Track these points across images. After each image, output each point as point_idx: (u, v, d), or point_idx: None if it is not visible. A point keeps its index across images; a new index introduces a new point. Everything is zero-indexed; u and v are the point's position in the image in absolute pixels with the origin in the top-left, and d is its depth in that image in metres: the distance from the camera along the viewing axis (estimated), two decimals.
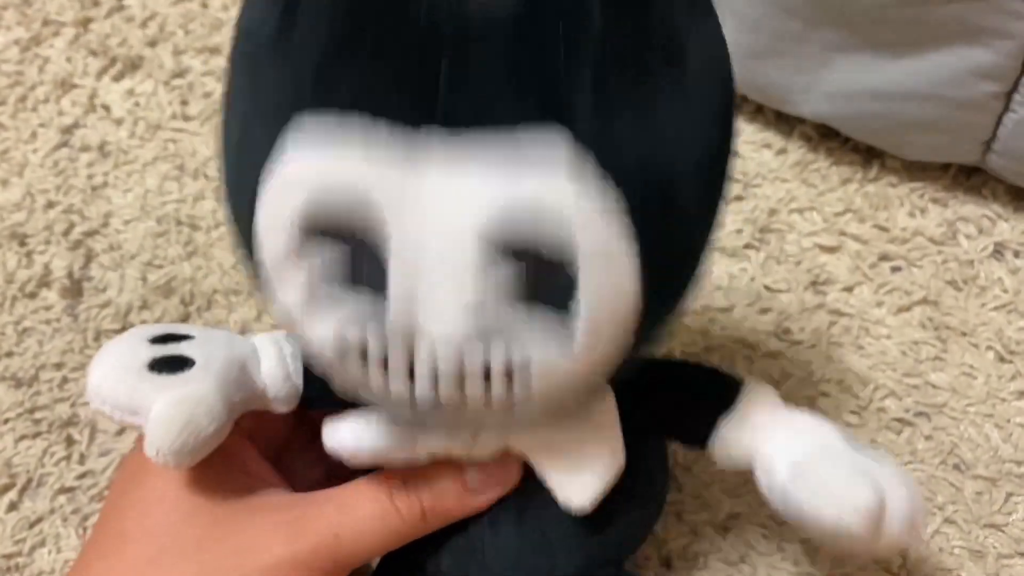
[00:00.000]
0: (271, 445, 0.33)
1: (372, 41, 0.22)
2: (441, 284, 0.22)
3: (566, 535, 0.30)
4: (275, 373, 0.30)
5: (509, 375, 0.23)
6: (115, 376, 0.28)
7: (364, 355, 0.24)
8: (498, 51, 0.22)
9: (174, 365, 0.28)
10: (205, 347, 0.29)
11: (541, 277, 0.22)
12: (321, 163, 0.22)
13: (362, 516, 0.29)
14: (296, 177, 0.23)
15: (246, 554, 0.28)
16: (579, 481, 0.28)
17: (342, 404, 0.30)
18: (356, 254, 0.23)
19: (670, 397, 0.31)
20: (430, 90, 0.22)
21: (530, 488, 0.30)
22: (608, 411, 0.29)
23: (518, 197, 0.22)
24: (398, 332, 0.23)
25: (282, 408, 0.31)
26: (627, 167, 0.22)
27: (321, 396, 0.29)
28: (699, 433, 0.30)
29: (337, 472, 0.33)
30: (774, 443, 0.29)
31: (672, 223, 0.24)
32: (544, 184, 0.22)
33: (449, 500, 0.30)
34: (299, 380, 0.30)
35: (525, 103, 0.22)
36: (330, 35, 0.23)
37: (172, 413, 0.27)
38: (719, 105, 0.25)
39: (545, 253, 0.22)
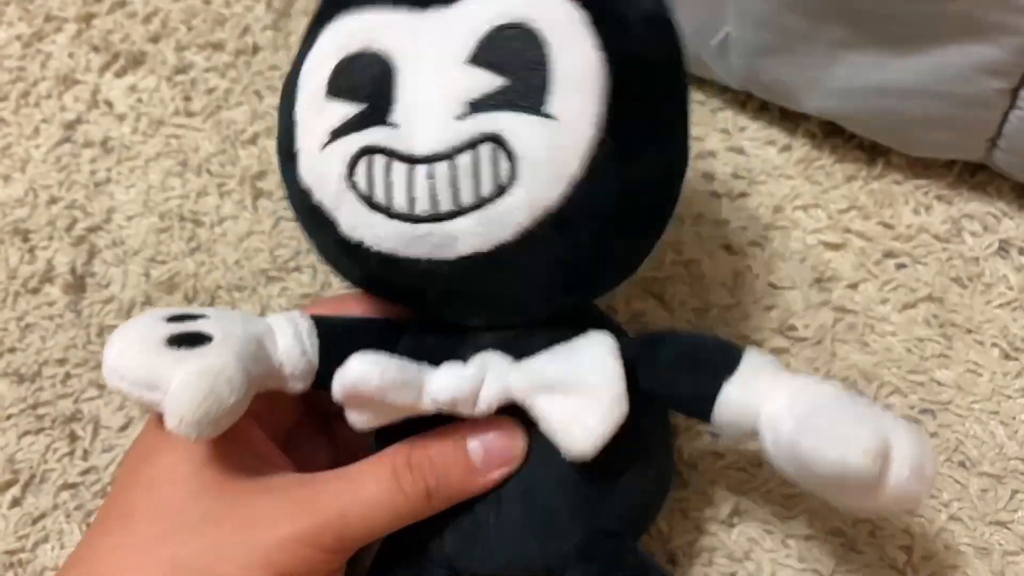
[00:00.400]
0: (280, 430, 0.33)
1: None
2: (434, 102, 0.28)
3: (570, 508, 0.30)
4: (292, 349, 0.30)
5: (495, 159, 0.27)
6: (133, 351, 0.28)
7: (369, 177, 0.28)
8: None
9: (193, 340, 0.29)
10: (222, 324, 0.30)
11: (521, 80, 0.27)
12: (348, 36, 0.29)
13: (368, 495, 0.29)
14: (329, 48, 0.29)
15: (252, 530, 0.28)
16: (582, 424, 0.28)
17: None
18: (369, 107, 0.28)
19: (673, 365, 0.31)
20: None
21: (533, 465, 0.30)
22: (608, 354, 0.29)
23: (498, 16, 0.28)
24: (399, 155, 0.28)
25: (298, 386, 0.31)
26: None
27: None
28: (703, 399, 0.30)
29: (344, 458, 0.33)
30: (778, 402, 0.29)
31: (621, 38, 0.28)
32: (519, 2, 0.28)
33: (455, 479, 0.30)
34: (315, 357, 0.31)
35: None
36: None
37: (194, 382, 0.27)
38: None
39: (522, 58, 0.27)
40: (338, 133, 0.28)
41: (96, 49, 0.50)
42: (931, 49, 0.39)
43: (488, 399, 0.29)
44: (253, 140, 0.48)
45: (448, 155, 0.27)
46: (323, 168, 0.29)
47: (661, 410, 0.33)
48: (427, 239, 0.28)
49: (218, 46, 0.50)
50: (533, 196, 0.27)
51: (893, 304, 0.42)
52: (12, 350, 0.42)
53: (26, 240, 0.45)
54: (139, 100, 0.49)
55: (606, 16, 0.28)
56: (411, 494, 0.29)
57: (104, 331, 0.43)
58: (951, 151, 0.44)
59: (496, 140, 0.27)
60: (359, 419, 0.29)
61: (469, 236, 0.28)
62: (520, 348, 0.30)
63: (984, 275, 0.43)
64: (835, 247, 0.44)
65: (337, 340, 0.31)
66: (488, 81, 0.27)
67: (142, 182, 0.47)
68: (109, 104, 0.49)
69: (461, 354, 0.30)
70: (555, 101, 0.27)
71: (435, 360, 0.30)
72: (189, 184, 0.46)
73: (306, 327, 0.31)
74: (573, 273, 0.30)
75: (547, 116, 0.27)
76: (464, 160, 0.27)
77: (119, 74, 0.50)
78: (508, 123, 0.27)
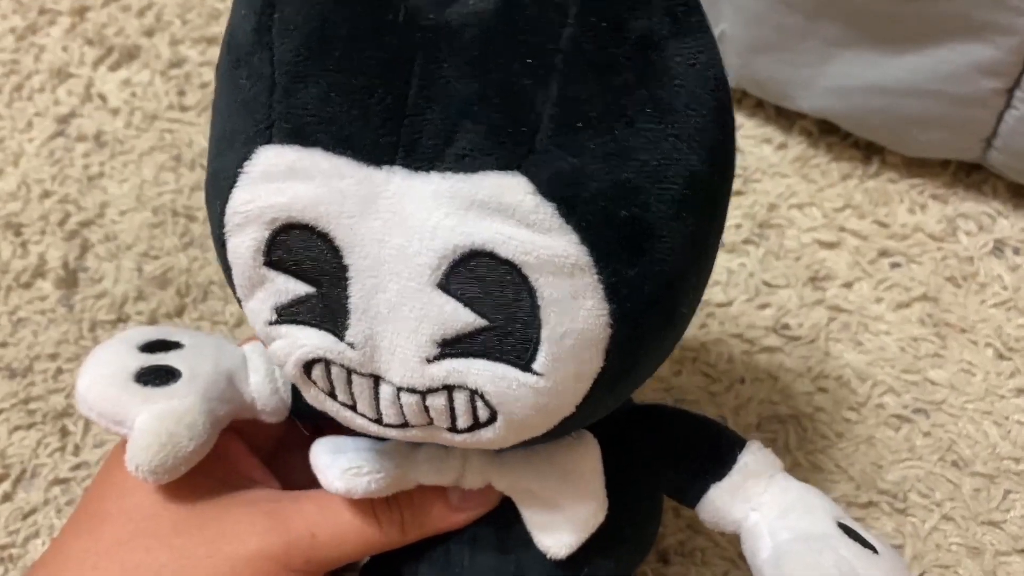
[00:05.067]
0: (267, 443, 0.33)
1: (345, 44, 0.21)
2: (399, 333, 0.22)
3: (541, 569, 0.29)
4: (263, 387, 0.30)
5: (473, 406, 0.23)
6: (101, 385, 0.28)
7: (328, 381, 0.24)
8: (465, 69, 0.21)
9: (160, 377, 0.28)
10: (193, 359, 0.29)
11: (501, 327, 0.22)
12: (281, 200, 0.22)
13: (341, 519, 0.29)
14: (257, 211, 0.22)
15: (220, 542, 0.28)
16: (557, 532, 0.28)
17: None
18: (318, 294, 0.23)
19: (664, 451, 0.30)
20: (394, 121, 0.21)
21: (511, 513, 0.29)
22: (591, 463, 0.28)
23: (476, 244, 0.21)
24: (361, 373, 0.23)
25: (271, 419, 0.31)
26: (593, 213, 0.21)
27: (310, 407, 0.28)
28: (688, 494, 0.29)
29: None
30: (762, 520, 0.28)
31: (645, 261, 0.22)
32: (502, 232, 0.21)
33: (430, 515, 0.29)
34: (287, 394, 0.30)
35: (487, 143, 0.21)
36: (303, 39, 0.22)
37: (154, 428, 0.27)
38: (707, 129, 0.22)
39: (505, 303, 0.22)
40: (284, 315, 0.24)
41: (90, 43, 0.50)
42: (927, 48, 0.39)
43: (470, 486, 0.29)
44: None
45: (418, 392, 0.23)
46: (274, 347, 0.24)
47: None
48: (399, 437, 0.25)
49: (213, 40, 0.50)
50: (516, 436, 0.24)
51: (887, 303, 0.42)
52: (4, 345, 0.42)
53: (18, 234, 0.45)
54: (133, 94, 0.49)
55: (625, 243, 0.22)
56: (384, 524, 0.29)
57: (96, 326, 0.43)
58: (947, 151, 0.44)
59: (472, 391, 0.23)
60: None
61: (449, 443, 0.25)
62: None
63: (979, 275, 0.43)
64: (830, 246, 0.44)
65: None
66: (462, 320, 0.22)
67: (135, 176, 0.46)
68: (103, 98, 0.49)
69: None
70: (543, 359, 0.22)
71: None
72: (182, 179, 0.46)
73: None
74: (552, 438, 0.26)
75: (534, 374, 0.22)
76: (437, 401, 0.23)
77: (113, 68, 0.50)
78: (486, 379, 0.22)
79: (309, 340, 0.23)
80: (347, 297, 0.22)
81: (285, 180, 0.22)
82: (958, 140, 0.42)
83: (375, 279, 0.22)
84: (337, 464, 0.27)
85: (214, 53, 0.50)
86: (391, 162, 0.21)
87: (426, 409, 0.24)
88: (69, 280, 0.44)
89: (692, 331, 0.42)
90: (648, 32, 0.21)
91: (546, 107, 0.21)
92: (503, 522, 0.30)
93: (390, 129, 0.21)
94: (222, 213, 0.23)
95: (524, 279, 0.21)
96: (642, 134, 0.21)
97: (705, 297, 0.42)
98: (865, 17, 0.39)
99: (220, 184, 0.23)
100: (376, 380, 0.23)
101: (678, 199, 0.22)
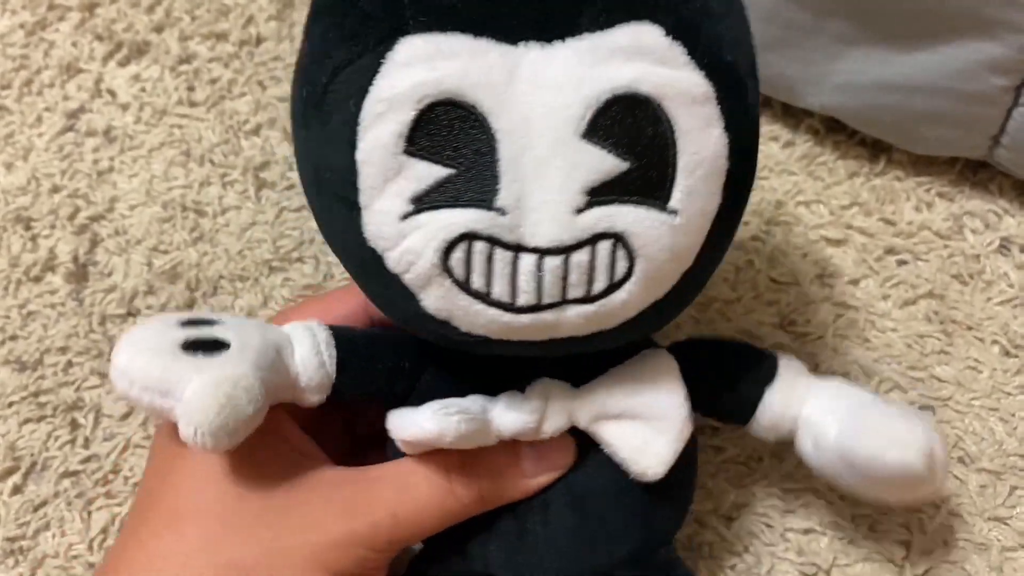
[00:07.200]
0: (300, 414, 0.33)
1: None
2: (549, 188, 0.24)
3: (626, 517, 0.30)
4: (309, 361, 0.29)
5: (613, 259, 0.25)
6: (146, 356, 0.27)
7: (467, 263, 0.25)
8: None
9: (209, 347, 0.27)
10: (239, 331, 0.28)
11: (643, 166, 0.24)
12: (430, 76, 0.24)
13: (420, 497, 0.29)
14: (406, 91, 0.24)
15: (307, 532, 0.28)
16: (651, 450, 0.29)
17: (373, 394, 0.30)
18: (462, 170, 0.24)
19: (714, 374, 0.32)
20: (525, 3, 0.24)
21: (584, 475, 0.30)
22: (672, 372, 0.30)
23: (618, 87, 0.24)
24: (505, 243, 0.24)
25: (313, 398, 0.30)
26: (709, 54, 0.25)
27: (353, 385, 0.29)
28: (744, 407, 0.32)
29: (361, 440, 0.33)
30: (817, 406, 0.31)
31: (743, 113, 0.26)
32: (641, 71, 0.24)
33: (506, 483, 0.30)
34: (333, 369, 0.29)
35: (618, 2, 0.24)
36: None
37: (212, 391, 0.26)
38: (747, 22, 0.28)
39: (646, 141, 0.24)
40: (424, 202, 0.24)
41: (100, 38, 0.50)
42: (935, 45, 0.39)
43: (551, 430, 0.29)
44: (256, 131, 0.48)
45: (562, 250, 0.25)
46: (407, 243, 0.25)
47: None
48: (525, 328, 0.26)
49: (222, 36, 0.50)
50: (646, 294, 0.26)
51: (894, 300, 0.42)
52: (14, 338, 0.42)
53: (28, 228, 0.45)
54: (142, 89, 0.49)
55: (732, 85, 0.25)
56: (463, 497, 0.29)
57: (106, 320, 0.43)
58: (954, 148, 0.44)
59: (617, 238, 0.25)
60: (422, 450, 0.29)
61: (570, 326, 0.26)
62: (578, 372, 0.30)
63: (985, 272, 0.43)
64: (837, 243, 0.44)
65: (355, 352, 0.30)
66: (609, 165, 0.24)
67: (145, 171, 0.47)
68: (112, 93, 0.49)
69: (515, 378, 0.29)
70: (679, 194, 0.25)
71: (486, 383, 0.29)
72: (192, 174, 0.46)
73: (324, 337, 0.30)
74: (652, 328, 0.29)
75: (671, 212, 0.25)
76: (580, 258, 0.25)
77: (122, 63, 0.50)
78: (631, 221, 0.25)
79: (455, 218, 0.24)
80: (496, 162, 0.24)
81: (431, 60, 0.24)
82: (966, 137, 0.42)
83: (524, 139, 0.24)
84: (422, 411, 0.27)
85: (223, 49, 0.50)
86: (527, 38, 0.24)
87: (565, 275, 0.25)
88: (79, 274, 0.44)
89: (700, 328, 0.42)
90: None
91: None
92: (575, 485, 0.30)
93: (524, 7, 0.24)
94: (357, 110, 0.24)
95: (663, 112, 0.24)
96: (729, 22, 0.26)
97: (712, 293, 0.43)
98: (874, 14, 0.39)
99: (351, 82, 0.24)
100: (517, 254, 0.25)
101: (750, 63, 0.27)
